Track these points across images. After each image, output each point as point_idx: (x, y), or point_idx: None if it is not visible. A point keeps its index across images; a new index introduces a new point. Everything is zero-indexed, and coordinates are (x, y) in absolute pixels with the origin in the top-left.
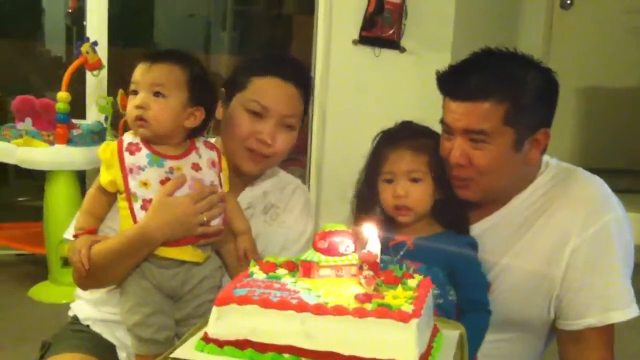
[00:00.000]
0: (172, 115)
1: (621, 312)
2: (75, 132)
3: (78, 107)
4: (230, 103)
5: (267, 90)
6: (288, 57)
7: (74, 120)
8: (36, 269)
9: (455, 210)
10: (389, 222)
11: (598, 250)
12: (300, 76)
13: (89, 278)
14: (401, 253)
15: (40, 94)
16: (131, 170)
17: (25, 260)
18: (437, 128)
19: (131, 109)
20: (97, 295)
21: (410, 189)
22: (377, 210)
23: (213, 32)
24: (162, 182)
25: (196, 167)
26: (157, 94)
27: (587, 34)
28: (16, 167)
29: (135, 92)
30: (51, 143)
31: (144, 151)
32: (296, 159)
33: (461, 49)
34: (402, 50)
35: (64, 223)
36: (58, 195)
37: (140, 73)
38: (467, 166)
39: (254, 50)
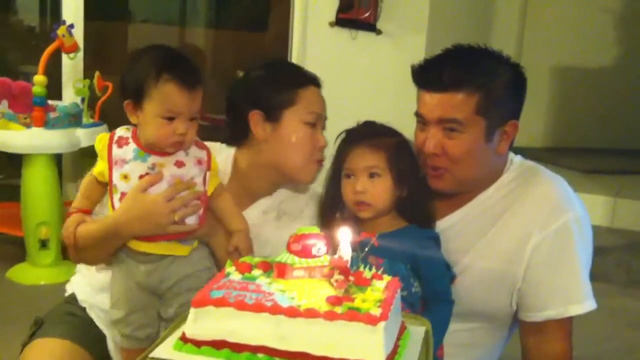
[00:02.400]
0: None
1: (579, 306)
2: (52, 115)
3: (54, 87)
4: (278, 120)
5: (315, 99)
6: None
7: (50, 101)
8: (13, 249)
9: (418, 206)
10: (354, 219)
11: (558, 247)
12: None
13: (75, 253)
14: (366, 249)
15: (13, 66)
16: (116, 163)
17: (1, 240)
18: (414, 108)
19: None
20: (99, 279)
21: (368, 185)
22: (343, 208)
23: (189, 5)
24: (141, 177)
25: (179, 164)
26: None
27: (562, 14)
28: None
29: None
30: (28, 126)
31: (132, 145)
32: None
33: (437, 31)
34: (379, 32)
35: (42, 205)
36: (35, 178)
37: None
38: (441, 155)
39: (232, 25)
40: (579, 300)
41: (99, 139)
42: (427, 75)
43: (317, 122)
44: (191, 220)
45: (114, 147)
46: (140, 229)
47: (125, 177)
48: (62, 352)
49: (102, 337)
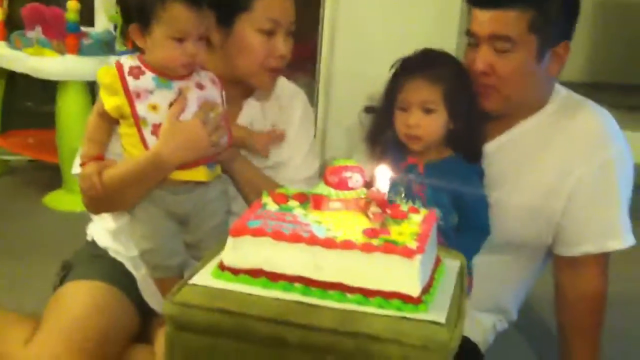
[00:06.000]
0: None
1: (618, 241)
2: (85, 41)
3: (86, 14)
4: (231, 26)
5: (274, 5)
6: None
7: (83, 28)
8: (50, 175)
9: (470, 139)
10: (400, 145)
11: (600, 182)
12: None
13: (102, 203)
14: (411, 176)
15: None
16: (138, 95)
17: (38, 167)
18: (450, 42)
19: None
20: (113, 225)
21: (422, 120)
22: (390, 134)
23: None
24: (171, 105)
25: (201, 87)
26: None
27: None
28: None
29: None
30: (61, 52)
31: (149, 74)
32: (304, 68)
33: None
34: None
35: (77, 132)
36: (69, 104)
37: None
38: (490, 74)
39: None
40: (618, 235)
41: (104, 72)
42: None
43: (275, 28)
44: (223, 140)
45: (129, 78)
46: (184, 156)
47: (154, 107)
48: (98, 293)
49: (133, 276)
